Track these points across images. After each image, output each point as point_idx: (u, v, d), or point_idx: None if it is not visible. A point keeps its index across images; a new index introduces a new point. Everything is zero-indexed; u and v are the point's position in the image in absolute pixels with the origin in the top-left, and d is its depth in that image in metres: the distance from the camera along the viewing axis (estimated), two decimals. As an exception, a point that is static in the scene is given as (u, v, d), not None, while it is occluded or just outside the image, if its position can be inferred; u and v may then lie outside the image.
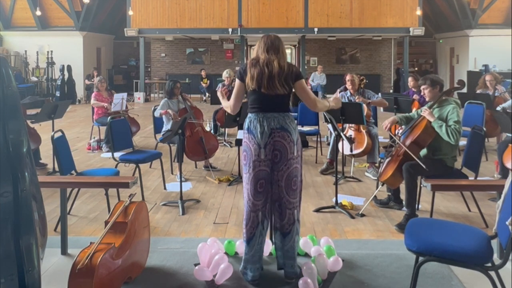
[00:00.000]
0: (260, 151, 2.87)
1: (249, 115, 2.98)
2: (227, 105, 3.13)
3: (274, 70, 2.90)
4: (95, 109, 7.65)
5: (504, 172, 4.87)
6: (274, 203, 2.94)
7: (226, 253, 3.22)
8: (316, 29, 14.76)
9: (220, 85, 8.66)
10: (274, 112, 2.92)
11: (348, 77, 5.99)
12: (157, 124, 6.19)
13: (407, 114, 4.54)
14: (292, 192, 2.92)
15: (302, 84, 3.01)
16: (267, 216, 2.96)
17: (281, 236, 2.93)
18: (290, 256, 2.92)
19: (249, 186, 2.90)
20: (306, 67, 16.52)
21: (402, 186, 4.09)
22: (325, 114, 4.83)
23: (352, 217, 4.20)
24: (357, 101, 5.65)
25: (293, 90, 3.00)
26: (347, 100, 5.88)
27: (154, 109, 6.32)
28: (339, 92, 6.74)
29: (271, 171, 2.91)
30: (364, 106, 5.63)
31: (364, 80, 6.13)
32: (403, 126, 4.44)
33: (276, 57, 2.95)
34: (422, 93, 4.25)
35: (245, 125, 2.97)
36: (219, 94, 3.60)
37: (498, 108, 6.22)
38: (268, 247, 3.22)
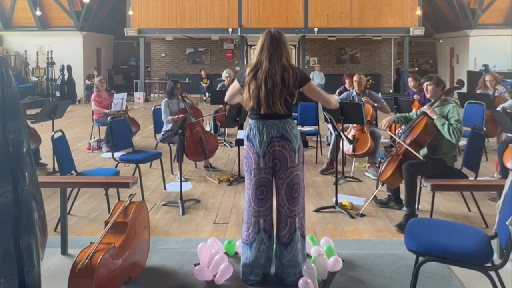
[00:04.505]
0: (260, 160, 2.81)
1: (250, 121, 2.91)
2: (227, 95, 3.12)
3: (276, 88, 2.74)
4: (95, 109, 7.66)
5: (504, 172, 4.87)
6: (275, 211, 2.91)
7: (226, 253, 3.21)
8: (316, 29, 14.76)
9: (220, 84, 8.66)
10: (274, 119, 2.81)
11: (355, 78, 6.00)
12: (157, 124, 6.19)
13: (405, 114, 4.55)
14: (294, 200, 2.85)
15: (310, 86, 2.88)
16: (271, 225, 2.90)
17: (281, 246, 2.87)
18: (291, 265, 2.85)
19: (250, 191, 2.87)
20: (306, 67, 16.52)
21: (402, 186, 4.09)
22: (325, 114, 4.83)
23: (352, 217, 4.20)
24: (363, 100, 5.66)
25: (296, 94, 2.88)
26: (351, 100, 5.89)
27: (154, 110, 6.33)
28: (338, 93, 6.74)
29: (273, 178, 2.87)
30: (369, 107, 5.64)
31: (370, 81, 6.15)
32: (403, 126, 4.44)
33: (279, 68, 2.75)
34: (425, 89, 4.24)
35: (246, 132, 2.92)
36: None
37: (499, 108, 6.22)
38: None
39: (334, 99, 3.13)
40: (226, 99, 3.09)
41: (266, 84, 2.75)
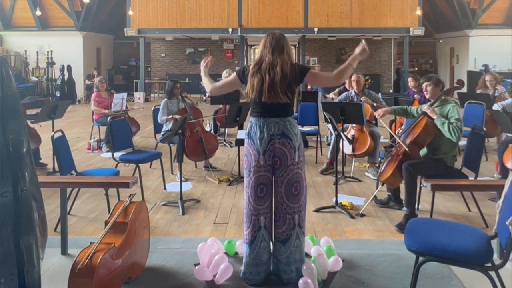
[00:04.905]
0: (260, 157, 2.84)
1: (251, 119, 2.95)
2: (208, 84, 3.13)
3: (277, 77, 2.82)
4: (95, 109, 7.66)
5: (504, 172, 4.87)
6: (274, 209, 2.91)
7: (226, 253, 3.21)
8: (316, 29, 14.76)
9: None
10: (275, 117, 2.86)
11: (353, 77, 5.98)
12: (157, 124, 6.19)
13: (403, 106, 4.54)
14: (293, 197, 2.86)
15: (311, 74, 2.98)
16: (272, 222, 2.91)
17: (279, 243, 2.88)
18: (289, 262, 2.86)
19: (250, 190, 2.88)
20: (306, 67, 16.51)
21: (402, 186, 4.09)
22: (325, 114, 4.83)
23: (352, 217, 4.20)
24: (362, 100, 5.66)
25: (296, 93, 2.96)
26: (351, 100, 5.89)
27: (154, 110, 6.33)
28: (338, 92, 6.74)
29: (272, 176, 2.88)
30: (368, 107, 5.64)
31: (369, 80, 6.14)
32: (403, 126, 4.44)
33: (280, 60, 2.87)
34: (424, 90, 4.24)
35: (247, 130, 2.95)
36: (203, 63, 3.30)
37: (496, 106, 6.16)
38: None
39: (346, 72, 3.14)
40: (213, 89, 3.12)
41: (269, 74, 2.84)
